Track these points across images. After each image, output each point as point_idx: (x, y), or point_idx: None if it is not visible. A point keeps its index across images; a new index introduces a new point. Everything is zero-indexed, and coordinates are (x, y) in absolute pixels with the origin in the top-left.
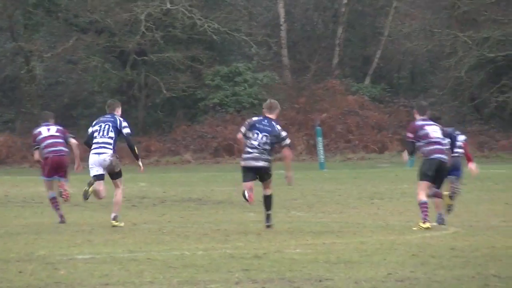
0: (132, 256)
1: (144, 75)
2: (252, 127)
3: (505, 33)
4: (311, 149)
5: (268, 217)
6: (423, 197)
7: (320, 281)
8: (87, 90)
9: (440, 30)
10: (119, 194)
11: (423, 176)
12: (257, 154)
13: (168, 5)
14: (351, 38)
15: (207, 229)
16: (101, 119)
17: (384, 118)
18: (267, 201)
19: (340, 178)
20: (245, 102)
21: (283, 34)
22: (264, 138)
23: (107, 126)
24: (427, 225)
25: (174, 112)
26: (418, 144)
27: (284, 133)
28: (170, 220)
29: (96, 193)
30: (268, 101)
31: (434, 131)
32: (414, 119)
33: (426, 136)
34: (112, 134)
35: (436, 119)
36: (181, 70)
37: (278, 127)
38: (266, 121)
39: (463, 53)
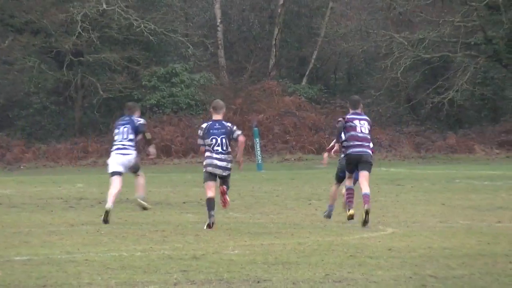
0: (70, 257)
1: (80, 76)
2: (207, 134)
3: (440, 34)
4: (249, 150)
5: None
6: (349, 183)
7: (258, 282)
8: (23, 91)
9: (375, 31)
10: (140, 178)
11: (347, 171)
12: (223, 163)
13: (104, 6)
14: (287, 39)
15: (145, 230)
16: (119, 122)
17: (321, 119)
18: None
19: (277, 179)
20: (182, 103)
21: (219, 35)
22: (224, 140)
23: (125, 129)
24: (351, 212)
25: (111, 113)
26: (345, 135)
27: (234, 127)
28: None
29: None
30: (214, 101)
31: (362, 125)
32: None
33: (353, 129)
34: (131, 136)
35: None
36: (118, 71)
37: (228, 124)
38: (217, 124)
39: (399, 54)
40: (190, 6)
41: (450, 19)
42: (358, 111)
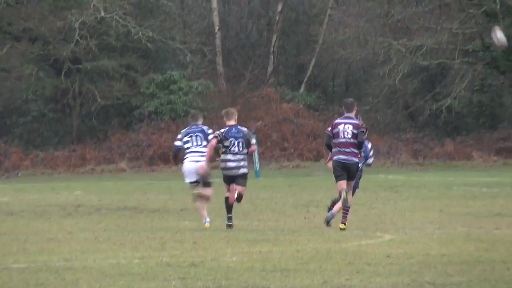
0: (67, 264)
1: (78, 83)
2: (226, 137)
3: (438, 41)
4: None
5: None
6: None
7: None
8: (21, 98)
9: (373, 38)
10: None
11: (335, 177)
12: (237, 163)
13: (102, 13)
14: (285, 46)
15: (143, 237)
16: (189, 130)
17: (319, 126)
18: (238, 198)
19: (275, 186)
20: (180, 110)
21: (217, 42)
22: (241, 144)
23: (198, 138)
24: (343, 226)
25: (109, 120)
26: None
27: (250, 133)
28: (106, 228)
29: (203, 196)
30: (226, 109)
31: (344, 130)
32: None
33: (337, 135)
34: (205, 143)
35: None
36: (116, 78)
37: (244, 129)
38: (234, 129)
39: (396, 61)
40: (188, 13)
41: (448, 26)
42: (351, 114)
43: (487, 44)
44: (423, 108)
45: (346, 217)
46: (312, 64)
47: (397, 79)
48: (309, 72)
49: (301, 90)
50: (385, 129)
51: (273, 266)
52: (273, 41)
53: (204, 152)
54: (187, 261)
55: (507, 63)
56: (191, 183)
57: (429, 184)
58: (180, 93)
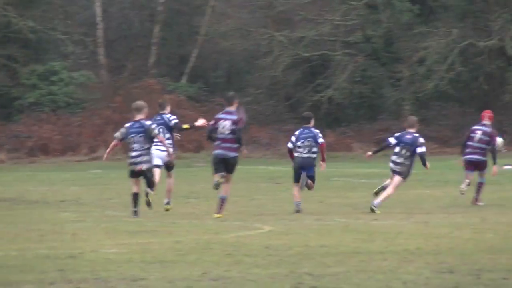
0: None
1: None
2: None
3: (320, 32)
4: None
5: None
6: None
7: (135, 280)
8: None
9: (256, 30)
10: (171, 183)
11: (213, 170)
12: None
13: None
14: (167, 37)
15: (21, 229)
16: (155, 122)
17: (200, 117)
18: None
19: None
20: (60, 101)
21: (99, 33)
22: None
23: (161, 129)
24: (218, 215)
25: None
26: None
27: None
28: None
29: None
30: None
31: (223, 126)
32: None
33: (216, 131)
34: (168, 135)
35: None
36: None
37: (146, 124)
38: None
39: (279, 53)
40: (70, 4)
41: (330, 18)
42: (231, 108)
43: (368, 35)
44: (304, 99)
45: (222, 207)
46: (194, 55)
47: (279, 70)
48: (191, 63)
49: (183, 81)
50: (266, 120)
51: (152, 257)
52: (155, 32)
53: (170, 144)
54: (65, 253)
55: (387, 55)
56: (154, 164)
57: None
58: (61, 84)
